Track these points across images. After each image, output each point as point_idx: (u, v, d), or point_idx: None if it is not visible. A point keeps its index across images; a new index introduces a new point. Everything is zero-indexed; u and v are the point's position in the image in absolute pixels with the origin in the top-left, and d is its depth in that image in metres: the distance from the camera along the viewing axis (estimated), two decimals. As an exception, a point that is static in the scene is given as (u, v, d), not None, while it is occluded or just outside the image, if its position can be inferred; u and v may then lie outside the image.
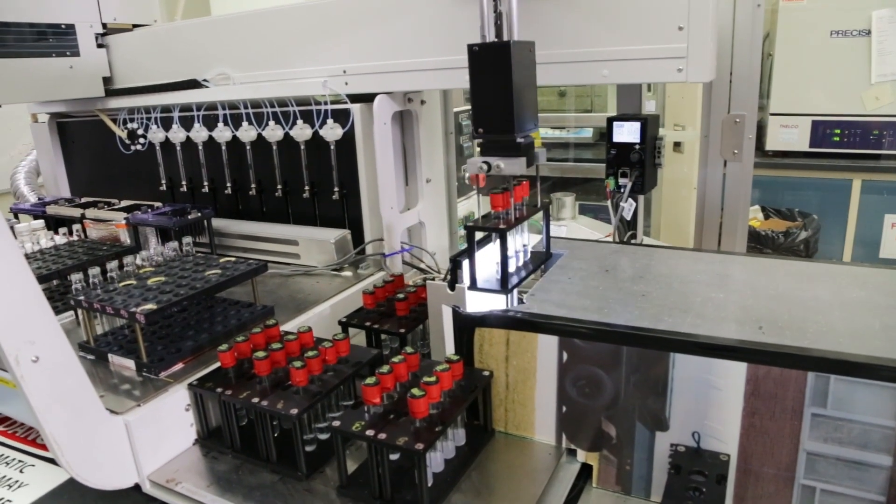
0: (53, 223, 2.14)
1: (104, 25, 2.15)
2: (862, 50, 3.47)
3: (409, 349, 1.16)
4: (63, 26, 2.04)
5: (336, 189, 1.86)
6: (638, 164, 1.58)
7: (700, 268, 1.33)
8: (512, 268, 1.25)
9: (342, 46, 1.74)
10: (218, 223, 2.02)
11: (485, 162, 1.15)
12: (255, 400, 1.12)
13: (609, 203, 1.64)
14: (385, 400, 1.07)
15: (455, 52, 1.57)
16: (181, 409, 1.21)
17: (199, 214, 1.87)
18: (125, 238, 1.91)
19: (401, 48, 1.65)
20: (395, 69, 1.69)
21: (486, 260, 1.30)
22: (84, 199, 2.22)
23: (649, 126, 1.60)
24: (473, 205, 2.54)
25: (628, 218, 1.60)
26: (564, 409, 1.15)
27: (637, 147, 1.58)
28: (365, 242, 1.84)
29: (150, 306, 1.24)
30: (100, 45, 2.14)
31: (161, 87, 2.00)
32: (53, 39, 2.02)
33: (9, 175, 2.71)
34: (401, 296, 1.42)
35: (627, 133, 1.60)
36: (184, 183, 2.14)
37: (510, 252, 1.26)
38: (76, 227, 1.94)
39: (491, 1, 1.14)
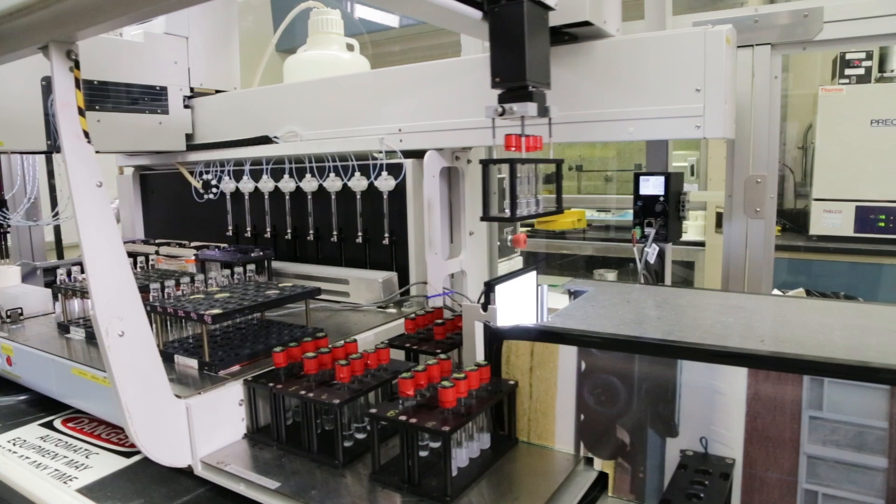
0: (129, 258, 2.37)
1: (191, 89, 2.45)
2: (902, 139, 3.57)
3: (442, 356, 1.28)
4: (157, 88, 2.34)
5: (386, 235, 2.03)
6: (662, 215, 1.71)
7: (716, 301, 1.44)
8: (523, 210, 1.36)
9: (398, 107, 1.96)
10: (277, 265, 2.21)
11: (500, 105, 1.30)
12: (303, 392, 1.25)
13: (635, 250, 1.76)
14: (417, 394, 1.19)
15: (498, 112, 1.76)
16: (235, 403, 1.35)
17: (262, 254, 2.06)
18: (193, 272, 2.11)
19: (450, 109, 1.85)
20: (444, 128, 1.88)
21: (514, 294, 1.43)
22: (158, 241, 2.45)
23: (673, 181, 1.73)
24: (515, 265, 2.67)
25: (651, 261, 1.72)
26: (583, 417, 1.24)
27: (661, 199, 1.72)
28: (409, 284, 1.99)
29: (217, 311, 1.41)
30: (186, 106, 2.43)
31: (236, 143, 2.25)
32: (148, 99, 2.31)
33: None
34: (439, 321, 1.55)
35: (653, 186, 1.74)
36: (248, 229, 2.35)
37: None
38: (152, 258, 2.15)
39: None
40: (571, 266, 4.54)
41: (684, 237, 4.41)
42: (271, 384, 1.30)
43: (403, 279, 2.03)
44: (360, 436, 1.31)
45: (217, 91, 2.50)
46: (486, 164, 1.40)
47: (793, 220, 4.31)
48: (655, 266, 1.86)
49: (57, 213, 2.77)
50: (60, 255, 3.28)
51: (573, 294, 1.67)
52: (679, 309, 1.38)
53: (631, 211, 4.62)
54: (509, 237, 2.65)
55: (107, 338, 1.13)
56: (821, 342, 1.12)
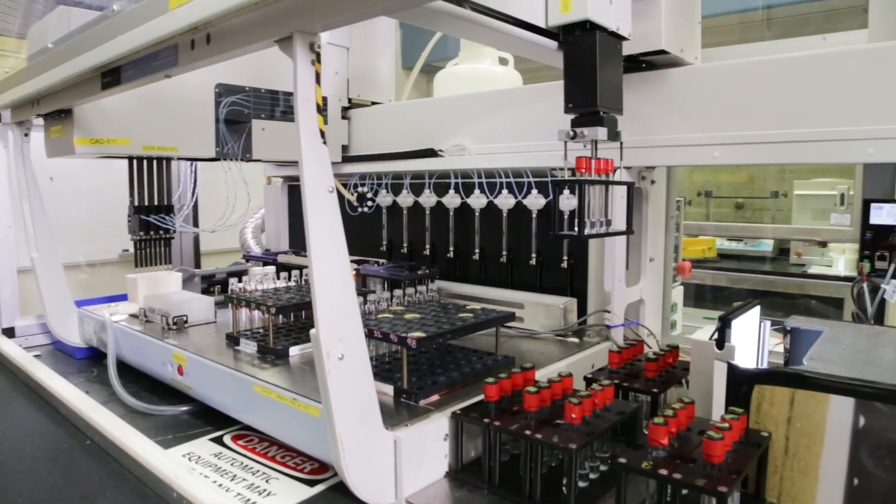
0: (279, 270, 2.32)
1: (349, 100, 2.40)
2: None
3: (686, 399, 1.12)
4: (318, 98, 2.29)
5: (565, 258, 1.89)
6: (901, 247, 1.50)
7: None
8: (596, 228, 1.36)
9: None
10: (437, 283, 2.09)
11: (573, 129, 1.31)
12: (528, 432, 1.11)
13: (864, 286, 1.55)
14: (670, 443, 1.03)
15: (691, 130, 1.60)
16: (440, 437, 1.23)
17: (427, 271, 1.96)
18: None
19: (641, 125, 1.70)
20: (633, 145, 1.73)
21: (743, 334, 1.28)
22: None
23: (914, 209, 1.52)
24: (677, 294, 2.47)
25: (891, 300, 1.50)
26: (856, 482, 1.05)
27: (901, 229, 1.51)
28: (589, 313, 1.84)
29: (420, 334, 1.30)
30: (344, 117, 2.37)
31: (400, 156, 2.17)
32: (307, 109, 2.27)
33: (237, 232, 3.02)
34: (651, 355, 1.39)
35: (887, 215, 1.53)
36: (405, 244, 2.26)
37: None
38: (305, 272, 2.09)
39: None
40: (722, 299, 4.20)
41: (828, 271, 4.08)
42: (486, 420, 1.17)
43: (581, 305, 1.88)
44: (583, 484, 1.17)
45: (373, 103, 2.44)
46: (556, 182, 1.51)
47: None
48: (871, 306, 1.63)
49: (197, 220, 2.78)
50: (198, 264, 3.31)
51: (790, 332, 1.47)
52: (962, 360, 1.17)
53: (770, 242, 4.34)
54: (672, 266, 2.47)
55: (327, 361, 1.03)
56: None
